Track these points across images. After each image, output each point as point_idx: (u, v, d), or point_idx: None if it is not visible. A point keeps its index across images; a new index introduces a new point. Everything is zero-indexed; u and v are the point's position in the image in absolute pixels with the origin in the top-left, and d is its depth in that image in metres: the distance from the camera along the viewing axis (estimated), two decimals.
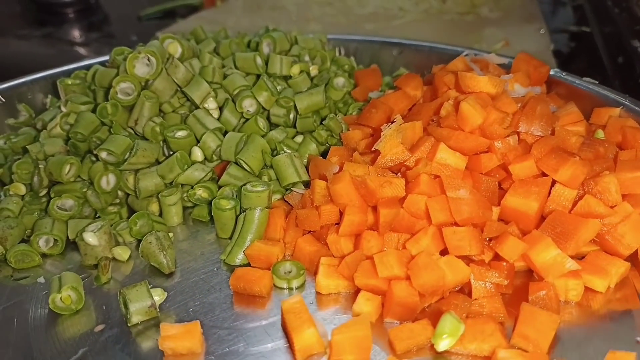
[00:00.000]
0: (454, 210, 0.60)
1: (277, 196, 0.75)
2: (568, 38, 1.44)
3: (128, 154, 0.75)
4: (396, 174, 0.68)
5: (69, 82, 0.87)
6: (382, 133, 0.68)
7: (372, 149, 0.68)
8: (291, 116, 0.85)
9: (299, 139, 0.83)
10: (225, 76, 0.85)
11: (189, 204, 0.78)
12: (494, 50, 1.19)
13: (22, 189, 0.78)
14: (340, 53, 1.10)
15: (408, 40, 1.06)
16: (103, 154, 0.74)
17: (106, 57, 1.05)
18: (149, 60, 0.78)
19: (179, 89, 0.81)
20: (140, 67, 0.78)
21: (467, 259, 0.60)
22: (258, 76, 0.88)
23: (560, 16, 1.66)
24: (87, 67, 1.03)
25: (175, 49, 0.84)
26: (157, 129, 0.77)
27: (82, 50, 1.49)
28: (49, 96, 0.98)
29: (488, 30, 1.30)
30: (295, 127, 0.85)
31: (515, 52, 1.20)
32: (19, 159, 0.84)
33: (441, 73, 0.77)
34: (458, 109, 0.68)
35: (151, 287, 0.61)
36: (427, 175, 0.63)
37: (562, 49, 1.36)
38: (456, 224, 0.62)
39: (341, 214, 0.66)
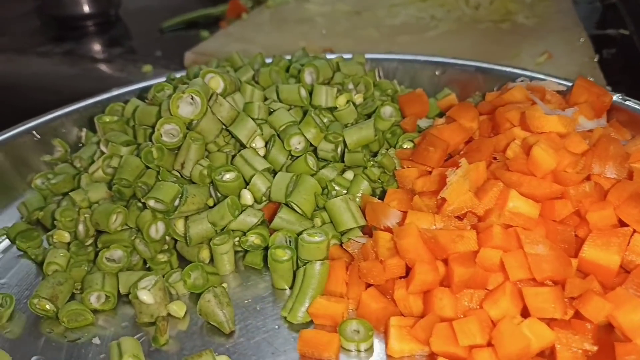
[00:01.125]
0: (534, 268, 0.57)
1: (334, 241, 0.72)
2: (606, 42, 1.39)
3: (177, 201, 0.72)
4: (461, 219, 0.65)
5: (107, 120, 0.84)
6: (447, 179, 0.64)
7: (438, 197, 0.64)
8: (339, 150, 0.81)
9: (349, 175, 0.79)
10: (269, 111, 0.82)
11: (239, 248, 0.75)
12: (537, 63, 1.15)
13: (67, 237, 0.75)
14: (379, 73, 1.06)
15: (451, 59, 1.02)
16: (151, 202, 0.71)
17: (137, 86, 1.03)
18: (192, 99, 0.75)
19: (224, 127, 0.78)
20: (184, 107, 0.75)
21: (549, 318, 0.57)
22: (303, 107, 0.84)
23: (592, 17, 1.60)
24: (121, 98, 1.00)
25: (217, 83, 0.80)
26: (205, 172, 0.74)
27: (105, 68, 1.45)
28: (84, 130, 0.95)
29: (527, 40, 1.26)
30: (342, 160, 0.82)
31: (559, 65, 1.16)
32: (60, 200, 0.81)
33: (503, 109, 0.73)
34: (528, 151, 0.64)
35: (216, 355, 0.58)
36: (499, 227, 0.60)
37: (601, 54, 1.30)
38: (534, 279, 0.58)
39: (407, 266, 0.63)
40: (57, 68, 1.48)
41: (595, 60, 1.18)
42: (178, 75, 1.02)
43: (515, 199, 0.61)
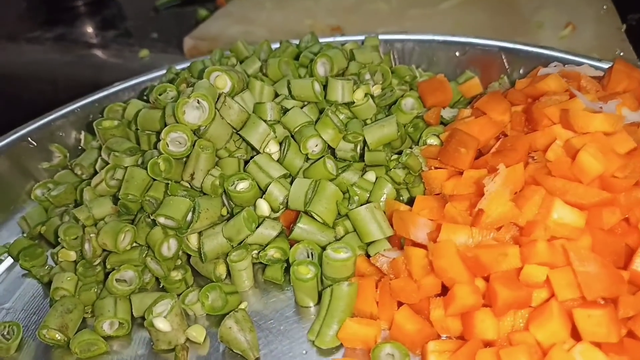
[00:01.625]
0: (585, 288, 0.52)
1: (359, 252, 0.67)
2: (629, 6, 1.29)
3: (190, 215, 0.66)
4: (497, 229, 0.60)
5: (107, 125, 0.78)
6: (485, 189, 0.59)
7: (476, 209, 0.59)
8: (358, 148, 0.75)
9: (371, 176, 0.73)
10: (282, 109, 0.76)
11: (257, 260, 0.70)
12: (561, 37, 1.08)
13: (72, 256, 0.71)
14: (394, 56, 0.99)
15: (473, 38, 0.95)
16: (161, 220, 0.66)
17: (136, 80, 0.96)
18: (198, 102, 0.69)
19: (234, 131, 0.72)
20: (190, 112, 0.69)
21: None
22: (317, 103, 0.78)
23: None
24: (119, 95, 0.94)
25: (224, 82, 0.74)
26: (217, 182, 0.68)
27: (100, 54, 1.37)
28: (83, 132, 0.89)
29: (547, 9, 1.17)
30: (362, 158, 0.76)
31: (584, 39, 1.09)
32: (62, 212, 0.77)
33: (541, 104, 0.66)
34: (572, 154, 0.59)
35: None
36: (545, 242, 0.55)
37: (626, 20, 1.22)
38: (582, 297, 0.54)
39: (443, 284, 0.58)
40: (50, 56, 1.40)
41: (623, 30, 1.10)
42: (179, 67, 0.96)
43: (560, 208, 0.56)
